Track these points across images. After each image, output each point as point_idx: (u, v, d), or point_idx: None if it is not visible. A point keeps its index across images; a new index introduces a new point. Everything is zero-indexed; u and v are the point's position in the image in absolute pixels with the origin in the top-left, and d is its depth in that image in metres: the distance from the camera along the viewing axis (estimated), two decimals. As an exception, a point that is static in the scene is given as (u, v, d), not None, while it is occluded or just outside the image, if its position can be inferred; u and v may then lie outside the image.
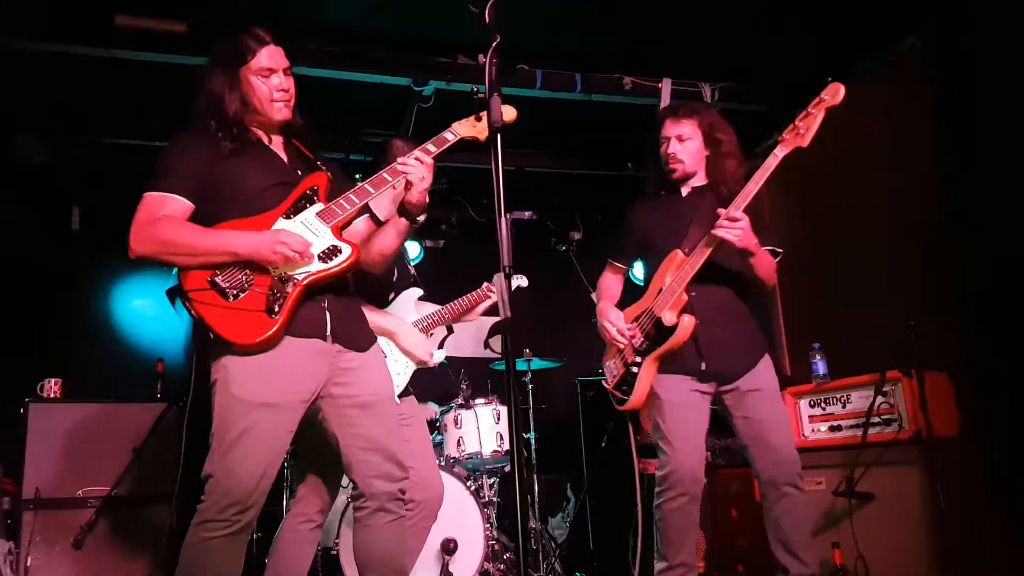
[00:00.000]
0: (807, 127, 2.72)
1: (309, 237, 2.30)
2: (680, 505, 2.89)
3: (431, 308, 3.62)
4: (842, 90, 2.70)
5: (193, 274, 2.20)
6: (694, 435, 2.95)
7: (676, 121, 3.09)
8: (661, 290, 2.99)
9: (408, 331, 3.37)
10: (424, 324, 3.54)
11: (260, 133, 2.45)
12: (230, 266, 2.21)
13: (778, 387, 3.01)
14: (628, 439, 4.51)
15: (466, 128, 2.54)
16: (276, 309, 2.19)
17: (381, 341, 2.78)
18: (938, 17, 3.94)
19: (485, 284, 4.05)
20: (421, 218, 2.51)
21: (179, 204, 2.25)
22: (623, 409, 3.11)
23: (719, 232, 2.79)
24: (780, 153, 2.76)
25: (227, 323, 2.16)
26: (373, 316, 2.98)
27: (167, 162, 2.30)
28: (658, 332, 2.98)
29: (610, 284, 3.31)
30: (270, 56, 2.39)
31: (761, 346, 3.03)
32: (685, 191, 3.15)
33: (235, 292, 2.19)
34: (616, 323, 3.10)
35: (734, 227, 2.76)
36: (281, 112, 2.41)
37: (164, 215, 2.22)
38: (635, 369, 3.05)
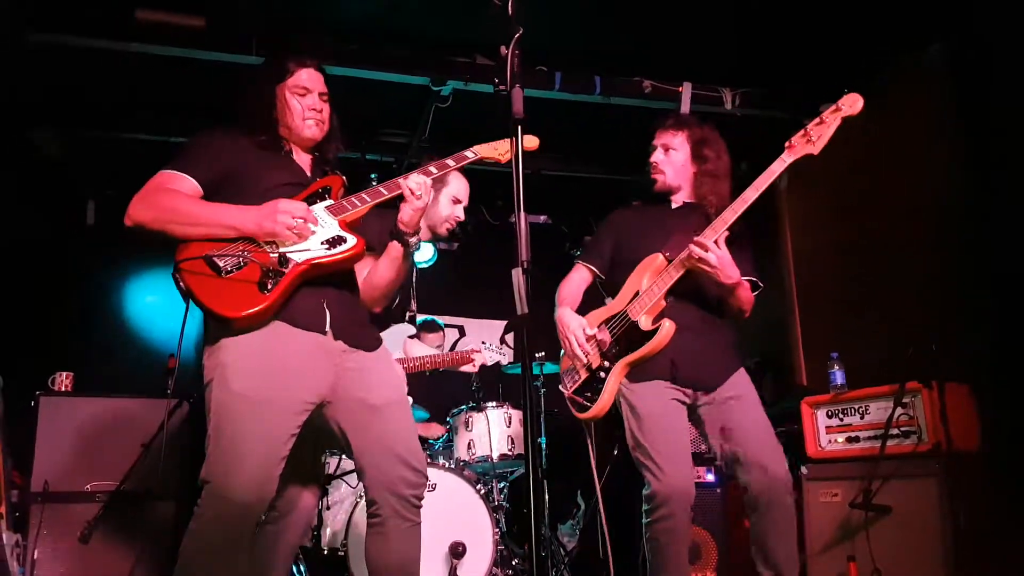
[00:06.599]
0: (820, 134, 2.59)
1: (315, 227, 2.25)
2: (671, 525, 2.69)
3: (419, 350, 3.63)
4: (860, 101, 2.58)
5: (190, 248, 2.13)
6: (677, 447, 2.75)
7: (665, 131, 3.01)
8: (637, 293, 2.85)
9: None
10: (406, 365, 3.58)
11: (290, 147, 2.47)
12: (230, 243, 2.16)
13: (758, 397, 2.85)
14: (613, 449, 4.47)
15: (487, 150, 2.56)
16: (269, 286, 2.11)
17: None
18: (963, 24, 3.89)
19: (471, 348, 4.21)
20: (414, 240, 2.45)
21: (189, 184, 2.23)
22: (584, 417, 2.91)
23: (691, 258, 2.68)
24: (788, 159, 2.62)
25: (215, 295, 2.08)
26: None
27: (189, 148, 2.33)
28: (631, 337, 2.82)
29: (572, 289, 3.10)
30: (309, 78, 2.44)
31: (737, 359, 2.89)
32: (675, 204, 3.04)
33: (229, 268, 2.12)
34: (577, 334, 2.91)
35: (706, 255, 2.64)
36: (311, 129, 2.43)
37: (170, 187, 2.21)
38: (602, 375, 2.86)
